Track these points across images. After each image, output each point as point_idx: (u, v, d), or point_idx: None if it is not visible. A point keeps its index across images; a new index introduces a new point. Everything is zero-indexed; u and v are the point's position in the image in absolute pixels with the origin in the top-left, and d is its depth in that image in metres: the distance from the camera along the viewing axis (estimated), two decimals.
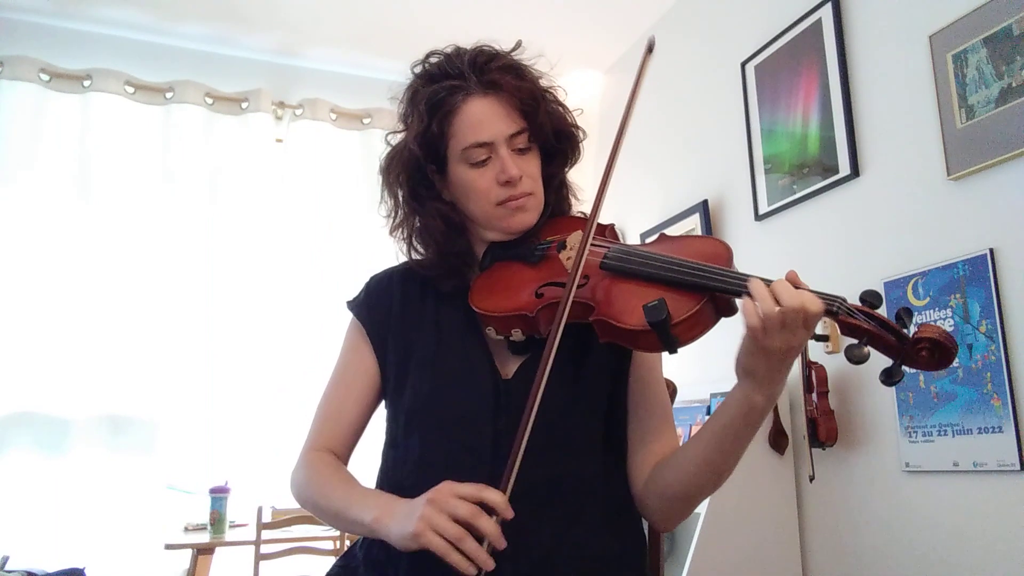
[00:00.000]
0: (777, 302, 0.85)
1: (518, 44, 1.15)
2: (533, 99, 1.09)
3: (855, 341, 0.87)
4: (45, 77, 3.29)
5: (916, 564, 2.06)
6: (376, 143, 3.74)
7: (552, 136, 1.13)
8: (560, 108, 1.16)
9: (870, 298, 0.89)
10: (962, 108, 1.99)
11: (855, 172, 2.32)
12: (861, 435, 2.26)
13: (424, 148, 1.09)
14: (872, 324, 0.87)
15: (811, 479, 2.34)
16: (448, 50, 1.13)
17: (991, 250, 1.91)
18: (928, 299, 2.05)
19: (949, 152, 2.01)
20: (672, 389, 1.23)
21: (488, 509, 0.89)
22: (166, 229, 3.39)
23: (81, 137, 3.33)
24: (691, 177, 3.14)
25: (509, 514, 0.88)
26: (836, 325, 0.89)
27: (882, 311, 0.91)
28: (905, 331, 0.87)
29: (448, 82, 1.08)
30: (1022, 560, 1.80)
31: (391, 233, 1.18)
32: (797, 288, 0.87)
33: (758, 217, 2.73)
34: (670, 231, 3.19)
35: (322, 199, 3.65)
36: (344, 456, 1.16)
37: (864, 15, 2.35)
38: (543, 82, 1.14)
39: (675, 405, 1.26)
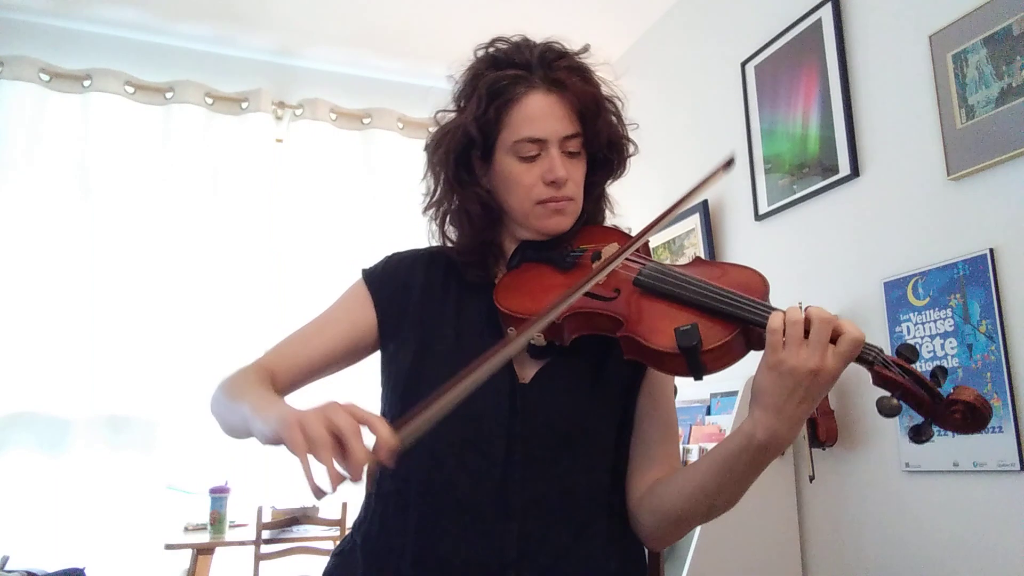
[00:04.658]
0: (807, 315, 0.84)
1: (586, 47, 1.13)
2: (595, 105, 1.08)
3: (887, 393, 0.85)
4: (45, 77, 3.29)
5: (916, 564, 2.06)
6: (376, 143, 3.74)
7: (604, 146, 1.12)
8: (616, 119, 1.14)
9: (906, 352, 0.87)
10: (962, 108, 1.99)
11: (855, 172, 2.32)
12: (861, 435, 2.26)
13: (476, 131, 1.08)
14: (907, 379, 0.85)
15: (811, 479, 2.34)
16: (516, 39, 1.12)
17: (991, 250, 1.91)
18: (928, 299, 2.05)
19: (949, 152, 2.01)
20: (672, 389, 1.23)
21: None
22: (166, 229, 3.39)
23: (81, 137, 3.33)
24: (691, 176, 3.13)
25: (387, 457, 0.75)
26: (871, 374, 0.87)
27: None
28: (939, 390, 0.85)
29: (513, 71, 1.06)
30: (1022, 560, 1.81)
31: (424, 211, 1.17)
32: None
33: (758, 217, 2.73)
34: (670, 231, 3.20)
35: (322, 199, 3.65)
36: (282, 388, 1.09)
37: (864, 15, 2.35)
38: (605, 90, 1.12)
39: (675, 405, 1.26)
